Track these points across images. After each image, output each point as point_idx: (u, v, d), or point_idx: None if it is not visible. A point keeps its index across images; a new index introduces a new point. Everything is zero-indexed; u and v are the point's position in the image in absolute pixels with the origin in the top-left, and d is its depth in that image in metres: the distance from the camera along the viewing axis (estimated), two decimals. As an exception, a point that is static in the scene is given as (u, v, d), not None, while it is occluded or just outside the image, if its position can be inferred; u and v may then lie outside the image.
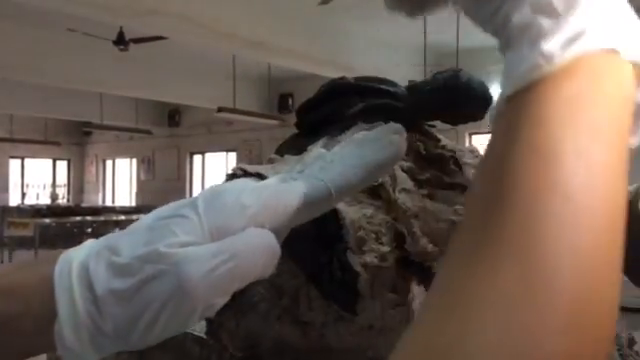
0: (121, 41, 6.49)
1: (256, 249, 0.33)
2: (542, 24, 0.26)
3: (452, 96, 0.55)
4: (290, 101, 9.31)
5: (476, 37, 6.70)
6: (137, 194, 13.12)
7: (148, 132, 10.95)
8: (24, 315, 0.32)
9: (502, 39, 0.29)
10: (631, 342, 0.64)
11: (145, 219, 0.35)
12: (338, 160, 0.39)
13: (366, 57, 6.15)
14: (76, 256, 0.33)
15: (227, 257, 0.32)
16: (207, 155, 11.86)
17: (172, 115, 11.87)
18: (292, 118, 0.72)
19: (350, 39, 6.30)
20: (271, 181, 0.38)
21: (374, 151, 0.38)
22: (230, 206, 0.34)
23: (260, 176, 0.61)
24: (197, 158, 12.13)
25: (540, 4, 0.26)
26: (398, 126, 0.40)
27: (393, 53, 6.57)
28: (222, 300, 0.33)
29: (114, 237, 0.34)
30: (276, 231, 0.34)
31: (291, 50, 5.94)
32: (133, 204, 12.86)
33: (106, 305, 0.32)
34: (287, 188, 0.36)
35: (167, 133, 12.03)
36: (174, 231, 0.32)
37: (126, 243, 0.33)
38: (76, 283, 0.32)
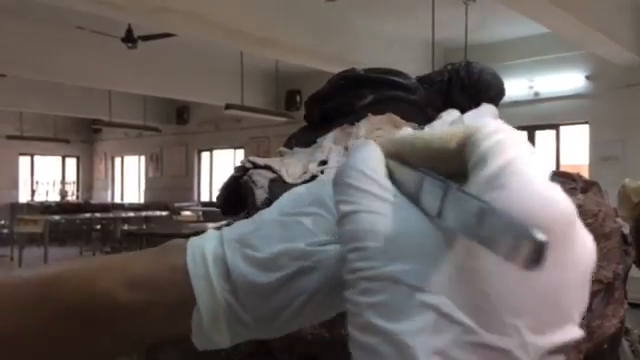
0: (129, 38, 6.50)
1: None
2: None
3: (465, 87, 0.54)
4: (298, 98, 9.30)
5: (484, 33, 6.67)
6: (145, 191, 13.17)
7: (156, 129, 10.98)
8: (158, 304, 0.33)
9: None
10: (645, 338, 0.63)
11: (267, 214, 0.35)
12: None
13: (374, 53, 6.13)
14: (207, 246, 0.34)
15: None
16: (215, 152, 11.88)
17: (180, 112, 11.89)
18: (300, 115, 0.72)
19: (358, 35, 6.28)
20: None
21: None
22: None
23: (270, 169, 0.61)
24: (205, 155, 12.15)
25: None
26: None
27: (401, 49, 6.54)
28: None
29: (241, 229, 0.34)
30: None
31: (299, 47, 5.93)
32: (142, 201, 12.91)
33: (247, 297, 0.32)
34: None
35: (175, 130, 12.06)
36: (310, 229, 0.33)
37: (259, 237, 0.33)
38: (213, 273, 0.32)
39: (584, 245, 0.25)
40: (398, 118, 0.60)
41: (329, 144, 0.61)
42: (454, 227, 0.24)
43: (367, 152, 0.29)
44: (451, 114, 0.33)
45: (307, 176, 0.57)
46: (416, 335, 0.23)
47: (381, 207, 0.27)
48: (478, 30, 6.37)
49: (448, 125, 0.35)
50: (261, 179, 0.59)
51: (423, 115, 0.58)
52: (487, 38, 6.90)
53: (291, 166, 0.60)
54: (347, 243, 0.27)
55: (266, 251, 0.33)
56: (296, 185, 0.59)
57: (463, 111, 0.59)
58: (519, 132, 0.27)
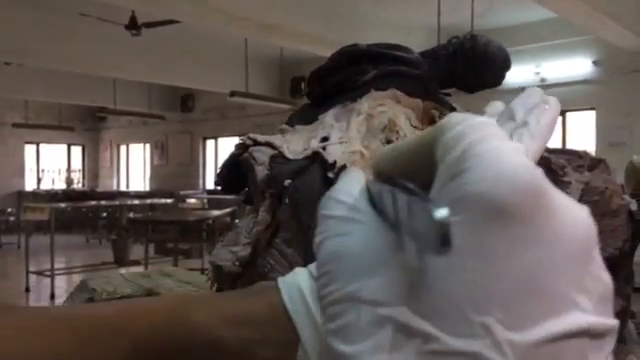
0: (133, 25, 6.48)
1: None
2: None
3: (470, 60, 0.53)
4: (302, 85, 9.26)
5: (491, 18, 6.61)
6: (151, 179, 13.20)
7: (161, 117, 10.97)
8: (262, 343, 0.31)
9: None
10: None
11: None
12: None
13: (379, 40, 6.05)
14: (300, 282, 0.31)
15: None
16: (220, 140, 11.87)
17: (185, 100, 11.88)
18: (304, 102, 0.70)
19: (363, 22, 6.24)
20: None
21: None
22: None
23: (271, 145, 0.60)
24: (210, 143, 12.15)
25: None
26: None
27: (406, 35, 6.49)
28: None
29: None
30: None
31: (304, 33, 5.90)
32: (147, 189, 12.94)
33: None
34: None
35: (180, 118, 12.06)
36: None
37: None
38: (313, 306, 0.30)
39: (567, 217, 0.23)
40: (401, 94, 0.59)
41: (331, 121, 0.60)
42: (404, 231, 0.22)
43: (345, 179, 0.28)
44: (494, 106, 0.31)
45: (308, 152, 0.56)
46: (372, 355, 0.22)
47: (347, 228, 0.25)
48: (484, 15, 6.32)
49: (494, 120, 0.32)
50: (262, 156, 0.58)
51: (427, 90, 0.57)
52: (493, 23, 6.83)
53: (292, 143, 0.59)
54: (317, 273, 0.25)
55: None
56: (297, 161, 0.58)
57: (468, 85, 0.58)
58: (486, 119, 0.25)
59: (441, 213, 0.19)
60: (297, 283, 0.31)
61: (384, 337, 0.22)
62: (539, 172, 0.22)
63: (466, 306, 0.21)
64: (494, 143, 0.23)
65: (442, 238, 0.19)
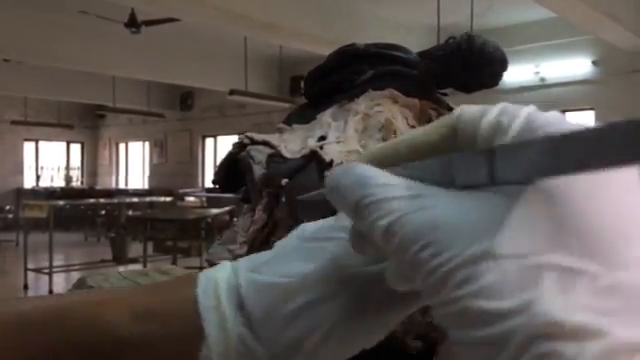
0: (133, 23, 6.47)
1: None
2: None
3: (467, 61, 0.53)
4: (302, 84, 9.25)
5: (490, 18, 6.61)
6: (150, 177, 13.19)
7: (161, 115, 10.97)
8: (165, 337, 0.30)
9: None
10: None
11: (286, 241, 0.32)
12: None
13: (379, 39, 6.02)
14: (219, 276, 0.31)
15: None
16: (219, 138, 11.87)
17: (184, 98, 11.88)
18: (304, 101, 0.70)
19: (362, 21, 6.24)
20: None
21: None
22: None
23: (268, 144, 0.60)
24: (209, 141, 12.14)
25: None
26: None
27: (406, 34, 6.49)
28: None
29: (257, 258, 0.32)
30: None
31: (303, 32, 5.89)
32: (146, 187, 12.94)
33: (263, 328, 0.29)
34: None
35: (179, 116, 12.05)
36: (332, 252, 0.31)
37: (277, 264, 0.31)
38: (225, 303, 0.30)
39: None
40: (398, 93, 0.59)
41: (328, 120, 0.60)
42: (515, 180, 0.22)
43: (361, 169, 0.27)
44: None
45: (306, 151, 0.56)
46: (549, 300, 0.20)
47: (425, 203, 0.24)
48: (484, 15, 6.32)
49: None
50: (259, 155, 0.58)
51: (424, 90, 0.57)
52: (493, 23, 6.83)
53: (290, 142, 0.59)
54: (404, 251, 0.23)
55: (285, 277, 0.30)
56: (295, 160, 0.58)
57: (465, 85, 0.58)
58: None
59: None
60: (215, 276, 0.31)
61: (550, 283, 0.20)
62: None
63: (619, 239, 0.21)
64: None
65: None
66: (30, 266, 6.28)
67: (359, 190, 0.25)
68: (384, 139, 0.56)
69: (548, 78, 7.21)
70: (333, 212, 0.32)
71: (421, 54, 0.59)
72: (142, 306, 0.31)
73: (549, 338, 0.19)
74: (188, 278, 0.32)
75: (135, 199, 9.61)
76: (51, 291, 5.88)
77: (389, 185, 0.25)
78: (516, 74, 6.85)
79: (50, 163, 13.64)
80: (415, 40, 6.52)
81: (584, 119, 7.19)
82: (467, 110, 0.26)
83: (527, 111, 0.24)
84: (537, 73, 7.26)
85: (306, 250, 0.31)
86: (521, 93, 6.85)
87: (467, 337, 0.21)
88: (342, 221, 0.31)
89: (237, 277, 0.31)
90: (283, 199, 0.54)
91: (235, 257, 0.56)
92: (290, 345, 0.29)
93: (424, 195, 0.24)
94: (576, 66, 7.05)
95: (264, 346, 0.29)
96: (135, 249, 7.17)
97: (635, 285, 0.20)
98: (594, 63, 6.96)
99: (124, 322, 0.30)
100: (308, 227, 0.33)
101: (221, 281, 0.31)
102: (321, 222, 0.33)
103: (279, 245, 0.32)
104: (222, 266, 0.32)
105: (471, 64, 0.53)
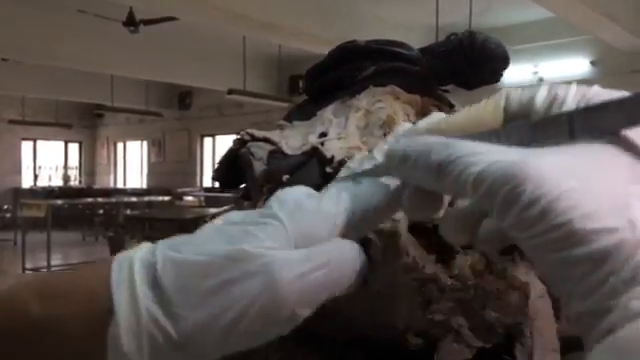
0: (131, 22, 6.46)
1: (347, 259, 0.31)
2: None
3: (468, 57, 0.53)
4: (301, 83, 9.25)
5: (489, 17, 6.61)
6: (148, 176, 13.18)
7: (159, 115, 10.95)
8: (74, 316, 0.29)
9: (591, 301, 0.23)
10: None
11: (211, 226, 0.32)
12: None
13: (378, 38, 6.07)
14: (136, 254, 0.30)
15: (320, 263, 0.30)
16: (217, 137, 11.86)
17: (183, 97, 11.86)
18: (302, 100, 0.70)
19: (361, 20, 6.23)
20: (344, 185, 0.34)
21: None
22: (312, 214, 0.32)
23: (269, 140, 0.60)
24: (208, 141, 12.13)
25: None
26: None
27: (405, 34, 6.49)
28: (307, 311, 0.30)
29: (179, 239, 0.31)
30: (357, 238, 0.33)
31: (302, 32, 5.89)
32: (144, 186, 12.92)
33: (176, 306, 0.29)
34: (362, 193, 0.33)
35: (177, 115, 12.04)
36: (257, 235, 0.30)
37: (197, 242, 0.31)
38: (138, 279, 0.29)
39: None
40: (400, 90, 0.59)
41: (329, 116, 0.60)
42: (592, 135, 0.26)
43: (435, 138, 0.29)
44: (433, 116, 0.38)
45: (307, 148, 0.56)
46: None
47: (502, 154, 0.26)
48: (482, 15, 6.32)
49: None
50: (259, 151, 0.58)
51: (426, 86, 0.57)
52: (491, 23, 6.83)
53: (290, 138, 0.59)
54: (494, 193, 0.25)
55: (204, 254, 0.29)
56: (295, 157, 0.58)
57: (467, 82, 0.58)
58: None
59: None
60: (132, 256, 0.30)
61: (638, 207, 0.24)
62: None
63: None
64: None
65: None
66: (28, 265, 6.28)
67: (443, 150, 0.28)
68: (385, 135, 0.56)
69: (546, 78, 7.21)
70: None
71: (423, 50, 0.59)
72: (52, 286, 0.31)
73: None
74: (108, 259, 0.31)
75: (133, 198, 9.61)
76: (49, 290, 5.86)
77: (470, 144, 0.27)
78: (514, 74, 6.85)
79: (48, 162, 13.61)
80: (414, 40, 6.48)
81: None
82: (514, 91, 0.30)
83: (576, 85, 0.29)
84: (536, 73, 7.26)
85: (228, 232, 0.31)
86: (519, 93, 6.85)
87: (569, 256, 0.23)
88: (267, 208, 0.32)
89: (154, 255, 0.30)
90: (284, 195, 0.54)
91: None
92: (202, 323, 0.29)
93: (504, 150, 0.26)
94: (574, 66, 7.05)
95: (176, 323, 0.29)
96: (133, 248, 7.16)
97: None
98: (592, 63, 6.97)
99: (33, 302, 0.30)
100: (234, 214, 0.33)
101: (137, 259, 0.30)
102: (248, 212, 0.33)
103: (202, 228, 0.32)
104: (141, 245, 0.31)
105: (473, 60, 0.53)
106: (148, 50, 7.95)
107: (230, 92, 7.67)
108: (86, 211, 10.65)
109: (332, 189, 0.34)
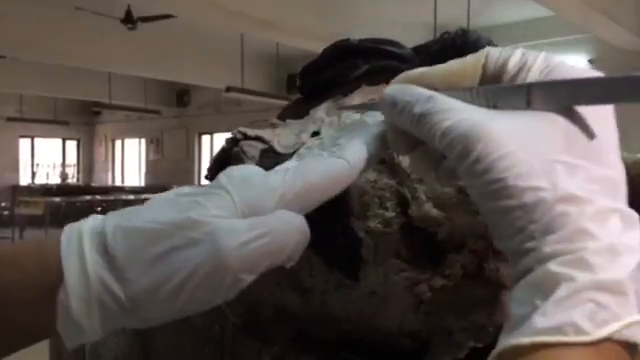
0: (129, 20, 6.45)
1: (290, 230, 0.33)
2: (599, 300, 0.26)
3: (461, 56, 0.53)
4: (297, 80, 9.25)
5: (487, 15, 6.61)
6: (146, 174, 13.18)
7: (157, 112, 10.95)
8: (21, 285, 0.30)
9: (520, 264, 0.29)
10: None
11: (162, 196, 0.34)
12: (347, 137, 0.38)
13: (376, 36, 6.07)
14: (86, 225, 0.31)
15: (263, 232, 0.31)
16: (216, 135, 11.86)
17: (181, 95, 11.85)
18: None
19: (359, 18, 6.23)
20: (292, 163, 0.37)
21: (378, 124, 0.39)
22: (259, 187, 0.33)
23: (261, 139, 0.59)
24: (206, 138, 12.13)
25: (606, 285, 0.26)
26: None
27: (403, 32, 6.48)
28: (250, 277, 0.31)
29: (130, 209, 0.33)
30: (302, 212, 0.34)
31: (300, 29, 5.89)
32: (142, 184, 12.92)
33: (124, 271, 0.30)
34: (309, 168, 0.35)
35: (176, 113, 12.03)
36: (204, 204, 0.31)
37: (145, 211, 0.32)
38: (88, 247, 0.30)
39: None
40: (392, 89, 0.59)
41: (322, 115, 0.60)
42: (544, 107, 0.30)
43: (422, 90, 0.34)
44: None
45: (299, 146, 0.56)
46: (562, 181, 0.28)
47: (468, 114, 0.31)
48: (480, 13, 6.32)
49: None
50: (252, 150, 0.58)
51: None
52: (489, 21, 6.83)
53: (283, 136, 0.59)
54: (453, 147, 0.30)
55: (151, 222, 0.31)
56: (288, 155, 0.58)
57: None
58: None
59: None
60: (81, 226, 0.31)
61: (562, 172, 0.29)
62: None
63: (600, 150, 0.31)
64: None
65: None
66: (25, 263, 6.26)
67: (425, 104, 0.32)
68: (378, 134, 0.56)
69: (545, 76, 7.21)
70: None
71: (416, 49, 0.58)
72: (1, 253, 0.31)
73: (564, 203, 0.28)
74: (60, 231, 0.32)
75: (131, 196, 9.61)
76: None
77: (446, 100, 0.32)
78: (513, 72, 6.84)
79: (46, 160, 13.60)
80: (412, 37, 6.49)
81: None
82: (494, 51, 0.34)
83: (544, 54, 0.33)
84: (534, 71, 7.27)
85: (178, 202, 0.32)
86: (518, 91, 6.85)
87: (502, 205, 0.29)
88: (216, 180, 0.33)
89: (104, 224, 0.31)
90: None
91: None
92: (150, 288, 0.30)
93: (472, 110, 0.31)
94: (572, 64, 7.05)
95: (126, 288, 0.30)
96: (131, 246, 7.15)
97: (610, 177, 0.30)
98: (590, 62, 6.96)
99: None
100: (185, 187, 0.34)
101: (86, 228, 0.31)
102: (197, 186, 0.34)
103: (153, 198, 0.33)
104: (92, 216, 0.33)
105: (465, 59, 0.53)
106: (146, 48, 7.94)
107: (228, 90, 7.67)
108: (84, 209, 10.65)
109: (283, 165, 0.36)
